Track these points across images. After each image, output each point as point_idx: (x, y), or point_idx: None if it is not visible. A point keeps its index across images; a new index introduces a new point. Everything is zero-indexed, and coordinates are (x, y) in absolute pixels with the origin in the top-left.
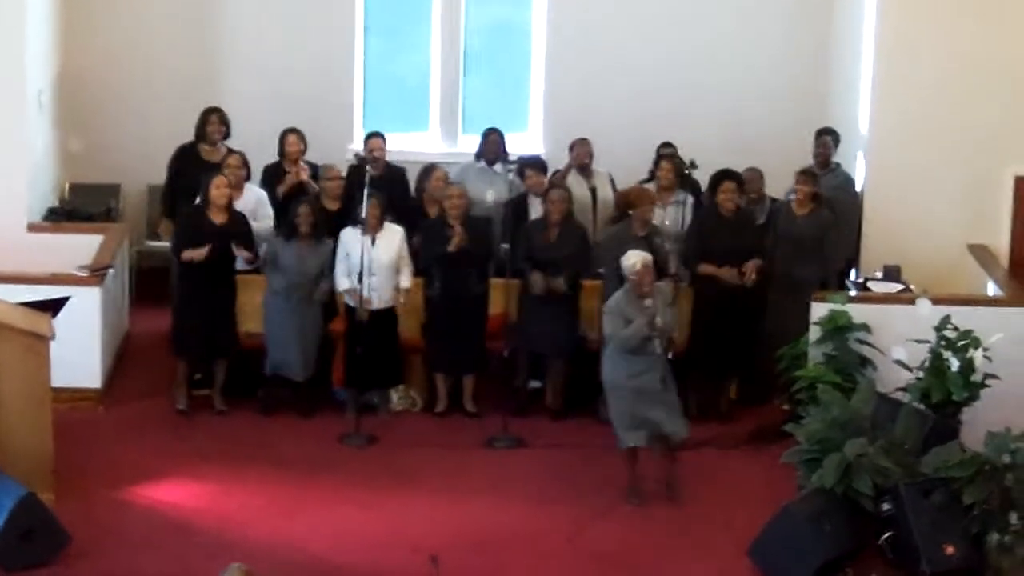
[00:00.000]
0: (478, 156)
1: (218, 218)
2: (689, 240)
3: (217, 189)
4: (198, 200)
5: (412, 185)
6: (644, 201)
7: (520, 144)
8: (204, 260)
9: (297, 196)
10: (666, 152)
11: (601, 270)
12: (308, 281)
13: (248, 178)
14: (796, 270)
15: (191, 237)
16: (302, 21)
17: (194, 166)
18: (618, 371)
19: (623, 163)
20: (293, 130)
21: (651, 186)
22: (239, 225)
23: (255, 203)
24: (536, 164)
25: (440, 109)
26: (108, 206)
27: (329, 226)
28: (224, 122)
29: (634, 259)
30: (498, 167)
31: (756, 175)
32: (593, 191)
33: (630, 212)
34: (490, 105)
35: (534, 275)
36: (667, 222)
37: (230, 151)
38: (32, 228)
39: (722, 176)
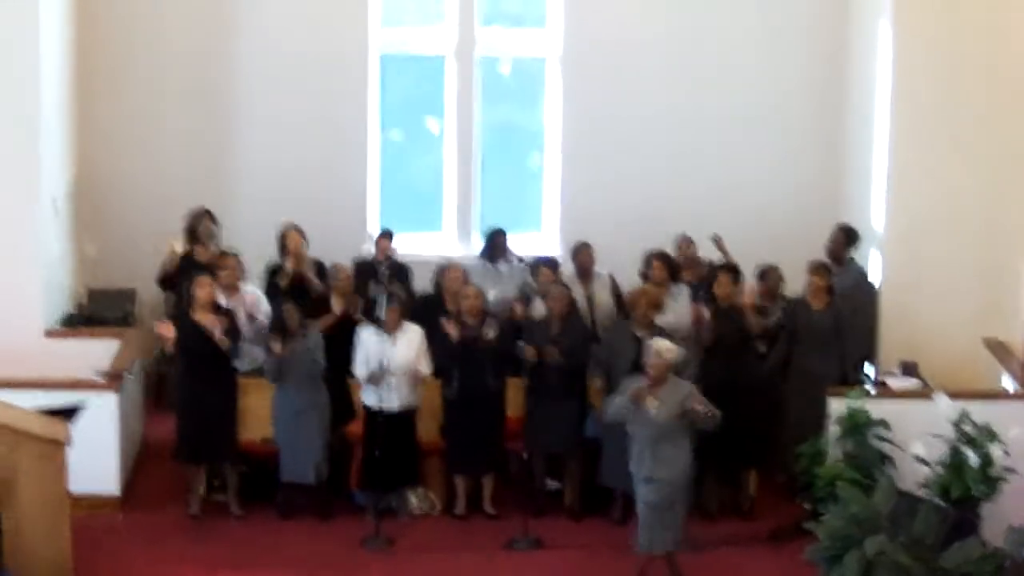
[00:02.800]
0: (484, 256)
1: (201, 317)
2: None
3: (200, 288)
4: (184, 300)
5: (422, 282)
6: (649, 306)
7: (534, 244)
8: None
9: (300, 291)
10: (656, 250)
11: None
12: (303, 378)
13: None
14: (814, 364)
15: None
16: (316, 122)
17: (193, 268)
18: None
19: (638, 261)
20: (293, 226)
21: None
22: (225, 323)
23: (252, 302)
24: (549, 262)
25: (455, 210)
26: (124, 311)
27: (341, 326)
28: (215, 222)
29: (655, 346)
30: (503, 266)
31: (775, 273)
32: (589, 299)
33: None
34: (504, 205)
35: (526, 349)
36: (668, 317)
37: (222, 252)
38: (49, 334)
39: (717, 269)
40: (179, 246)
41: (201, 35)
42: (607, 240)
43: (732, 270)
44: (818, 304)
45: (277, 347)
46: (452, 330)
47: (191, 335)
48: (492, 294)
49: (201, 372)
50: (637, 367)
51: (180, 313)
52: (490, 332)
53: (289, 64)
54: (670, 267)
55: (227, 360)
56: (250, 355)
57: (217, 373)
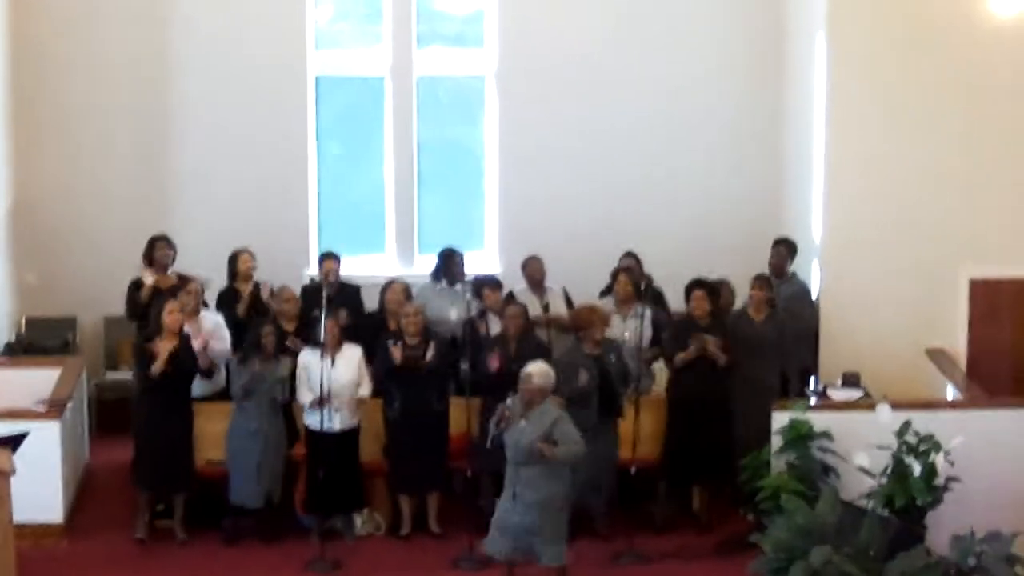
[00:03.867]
0: (436, 276)
1: (169, 342)
2: (666, 345)
3: (169, 314)
4: (151, 326)
5: (366, 304)
6: (594, 322)
7: (477, 262)
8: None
9: (256, 314)
10: (623, 265)
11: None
12: (266, 401)
13: (205, 304)
14: (756, 375)
15: (143, 364)
16: (254, 147)
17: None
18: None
19: (581, 276)
20: (244, 250)
21: (608, 300)
22: (189, 349)
23: (213, 327)
24: (491, 283)
25: (395, 230)
26: (65, 339)
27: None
28: (171, 247)
29: (522, 372)
30: (459, 287)
31: (726, 286)
32: (546, 308)
33: (580, 334)
34: (445, 224)
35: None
36: (627, 335)
37: (181, 277)
38: None
39: (692, 285)
40: (149, 277)
41: (139, 60)
42: (549, 256)
43: (705, 285)
44: (759, 316)
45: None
46: (396, 353)
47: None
48: (453, 313)
49: (163, 398)
50: (605, 385)
51: (146, 339)
52: (430, 355)
53: (227, 88)
54: (635, 282)
55: (186, 388)
56: (212, 380)
57: (178, 399)
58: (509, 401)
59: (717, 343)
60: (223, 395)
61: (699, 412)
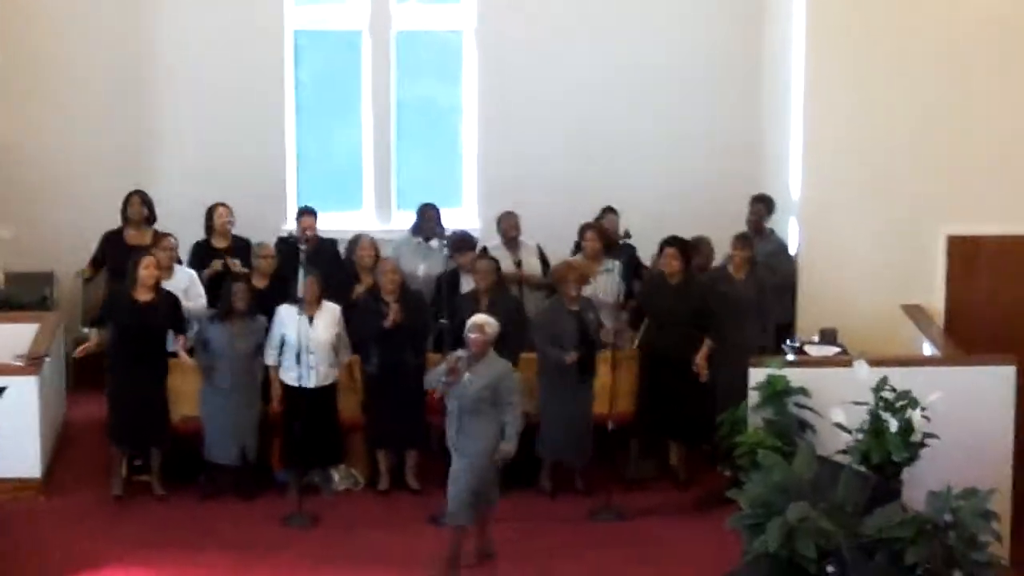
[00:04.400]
0: (414, 231)
1: (143, 296)
2: (637, 305)
3: (145, 269)
4: (127, 280)
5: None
6: (567, 277)
7: (455, 219)
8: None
9: (223, 278)
10: (596, 221)
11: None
12: (241, 360)
13: (179, 261)
14: (737, 334)
15: (111, 314)
16: (233, 102)
17: (121, 251)
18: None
19: (560, 233)
20: (221, 204)
21: (579, 257)
22: (166, 305)
23: (187, 283)
24: (463, 244)
25: (373, 186)
26: (42, 294)
27: (258, 304)
28: (146, 203)
29: (471, 321)
30: (434, 243)
31: (704, 245)
32: (518, 264)
33: (560, 287)
34: (423, 181)
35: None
36: (599, 292)
37: (158, 233)
38: None
39: (666, 242)
40: (235, 266)
41: (116, 14)
42: (527, 213)
43: (677, 243)
44: (740, 275)
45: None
46: (393, 315)
47: (131, 315)
48: (422, 269)
49: (135, 352)
50: (585, 340)
51: (119, 292)
52: (390, 318)
53: (205, 42)
54: (604, 240)
55: (162, 343)
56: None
57: (151, 353)
58: (460, 352)
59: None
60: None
61: (670, 368)
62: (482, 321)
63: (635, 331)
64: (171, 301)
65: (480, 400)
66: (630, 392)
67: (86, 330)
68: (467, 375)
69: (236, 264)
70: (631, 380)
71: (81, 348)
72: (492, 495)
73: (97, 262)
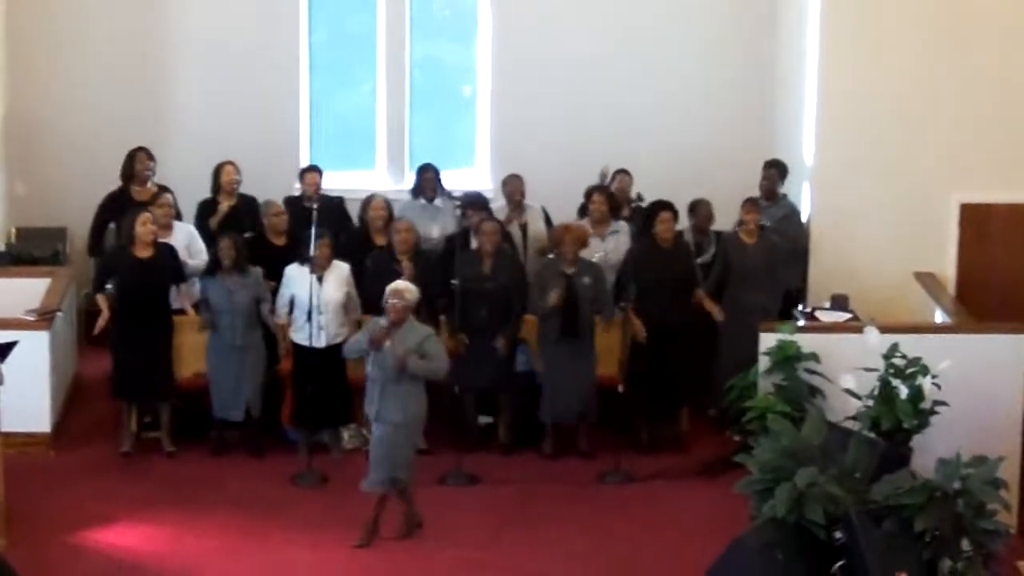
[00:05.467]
0: (415, 193)
1: (142, 253)
2: (624, 271)
3: (142, 226)
4: (124, 237)
5: (352, 214)
6: (564, 239)
7: (467, 180)
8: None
9: (233, 229)
10: (604, 183)
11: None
12: (240, 315)
13: (179, 217)
14: (748, 299)
15: (111, 273)
16: (247, 60)
17: (129, 209)
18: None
19: (570, 196)
20: (229, 162)
21: (585, 220)
22: (165, 259)
23: (187, 240)
24: (476, 202)
25: (386, 146)
26: (55, 249)
27: (276, 261)
28: (151, 158)
29: (389, 287)
30: (439, 202)
31: (704, 208)
32: (523, 227)
33: (556, 251)
34: (436, 141)
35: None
36: (608, 254)
37: (160, 188)
38: None
39: (658, 207)
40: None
41: None
42: (539, 174)
43: (672, 208)
44: (751, 240)
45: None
46: (407, 275)
47: (131, 272)
48: (435, 230)
49: (138, 309)
50: (569, 304)
51: (119, 249)
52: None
53: (220, 1)
54: (611, 202)
55: (165, 298)
56: (187, 293)
57: (154, 310)
58: (381, 320)
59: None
60: None
61: (662, 334)
62: (402, 287)
63: None
64: (170, 254)
65: (400, 362)
66: (641, 354)
67: (98, 296)
68: (388, 343)
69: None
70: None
71: (98, 326)
72: (406, 474)
73: (95, 251)
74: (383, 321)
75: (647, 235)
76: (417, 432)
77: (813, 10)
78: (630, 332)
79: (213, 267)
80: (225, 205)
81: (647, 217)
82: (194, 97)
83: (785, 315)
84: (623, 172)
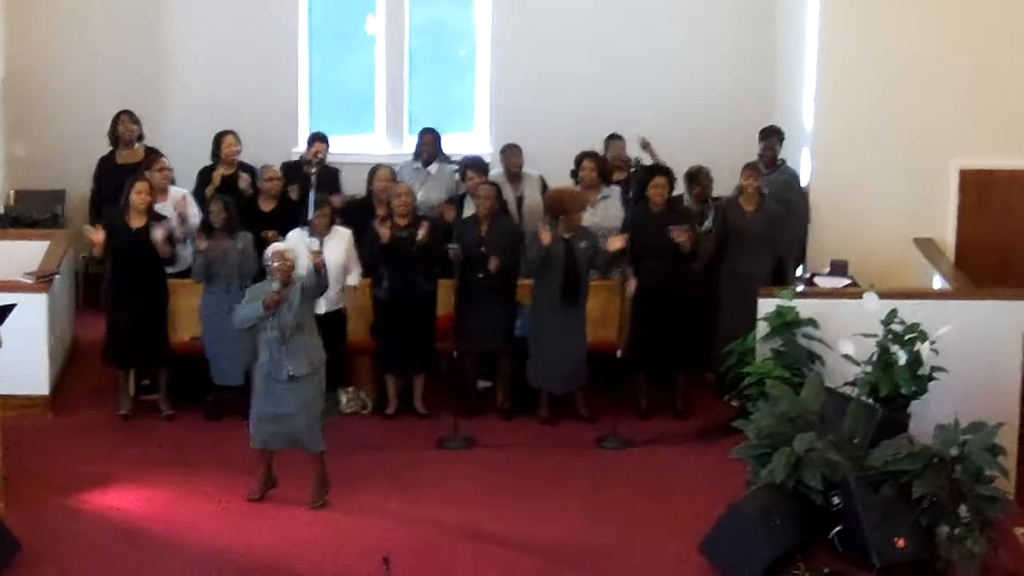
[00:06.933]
0: (415, 157)
1: (136, 222)
2: (623, 228)
3: (138, 194)
4: (121, 204)
5: (354, 184)
6: (576, 207)
7: (466, 145)
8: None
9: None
10: (588, 151)
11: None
12: (234, 277)
13: (173, 181)
14: (747, 265)
15: (109, 241)
16: (246, 24)
17: (114, 173)
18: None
19: (569, 162)
20: (229, 131)
21: (577, 186)
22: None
23: (182, 203)
24: (476, 165)
25: (386, 111)
26: (53, 212)
27: (263, 226)
28: (135, 121)
29: (269, 251)
30: (433, 167)
31: (703, 174)
32: (519, 198)
33: (560, 216)
34: (435, 106)
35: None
36: (599, 220)
37: (148, 151)
38: None
39: (652, 172)
40: (244, 182)
41: None
42: (539, 140)
43: (666, 172)
44: (749, 206)
45: (203, 244)
46: (384, 231)
47: (126, 240)
48: (420, 195)
49: (132, 276)
50: (569, 268)
51: (114, 217)
52: (421, 233)
53: None
54: (601, 168)
55: (159, 264)
56: (181, 256)
57: (148, 277)
58: (273, 286)
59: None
60: None
61: (660, 300)
62: (281, 248)
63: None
64: (164, 222)
65: (299, 322)
66: (639, 319)
67: (85, 227)
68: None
69: (246, 179)
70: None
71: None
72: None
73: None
74: (274, 285)
75: (642, 200)
76: (323, 380)
77: None
78: (629, 296)
79: (202, 229)
80: (219, 175)
81: (642, 183)
82: (193, 60)
83: (775, 282)
84: (617, 137)
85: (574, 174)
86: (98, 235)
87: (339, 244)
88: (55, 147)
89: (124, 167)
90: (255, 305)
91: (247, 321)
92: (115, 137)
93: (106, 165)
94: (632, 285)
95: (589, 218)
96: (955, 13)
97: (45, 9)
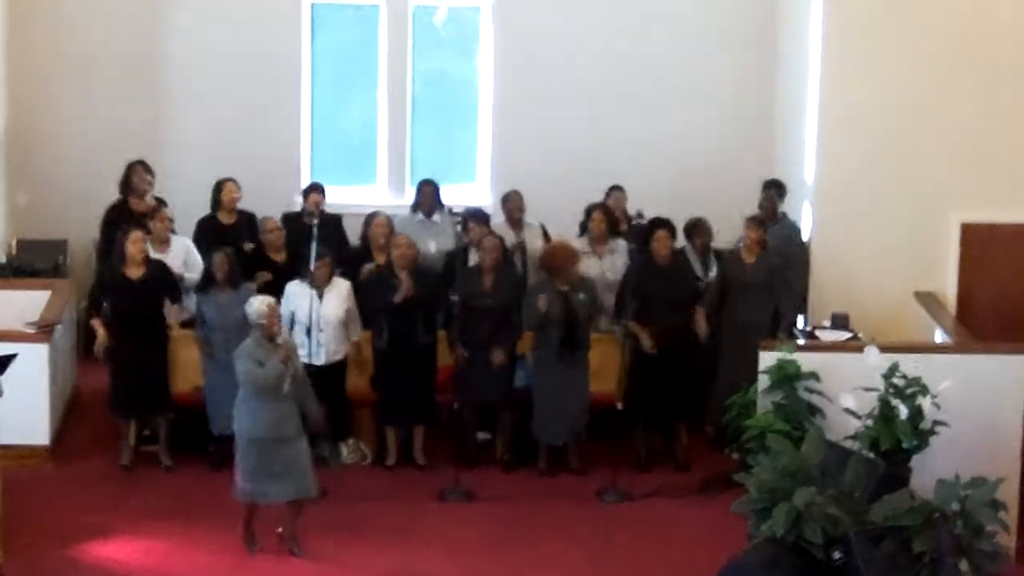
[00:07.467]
0: (414, 208)
1: (134, 273)
2: (623, 289)
3: (133, 244)
4: (115, 256)
5: (352, 232)
6: (562, 264)
7: (468, 195)
8: (104, 341)
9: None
10: (610, 198)
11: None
12: (234, 330)
13: (173, 231)
14: (747, 317)
15: (106, 294)
16: (248, 73)
17: (128, 221)
18: (255, 420)
19: (570, 211)
20: (229, 179)
21: (583, 239)
22: (157, 277)
23: (184, 254)
24: (478, 216)
25: (387, 160)
26: (56, 261)
27: (275, 277)
28: (149, 172)
29: (258, 304)
30: (437, 217)
31: (703, 226)
32: (521, 244)
33: (555, 272)
34: (437, 156)
35: (458, 350)
36: (607, 272)
37: (157, 201)
38: None
39: (655, 224)
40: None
41: None
42: (539, 190)
43: (668, 225)
44: (751, 259)
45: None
46: (404, 289)
47: (125, 293)
48: (432, 245)
49: (134, 327)
50: (569, 321)
51: (110, 270)
52: (398, 297)
53: (222, 13)
54: (609, 220)
55: (159, 314)
56: (181, 308)
57: (149, 327)
58: (283, 339)
59: (648, 343)
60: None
61: (666, 351)
62: (272, 302)
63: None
64: (162, 271)
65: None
66: (640, 370)
67: (93, 321)
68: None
69: (264, 276)
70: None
71: (96, 350)
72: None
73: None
74: (279, 339)
75: (645, 252)
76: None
77: (814, 29)
78: (628, 349)
79: (206, 282)
80: (228, 222)
81: (645, 235)
82: (195, 110)
83: (775, 335)
84: (617, 188)
85: (583, 225)
86: (101, 331)
87: (339, 295)
88: (57, 196)
89: (139, 216)
90: (272, 363)
91: (270, 381)
92: (128, 186)
93: (118, 213)
94: (647, 342)
95: (595, 268)
96: (954, 68)
97: (46, 59)
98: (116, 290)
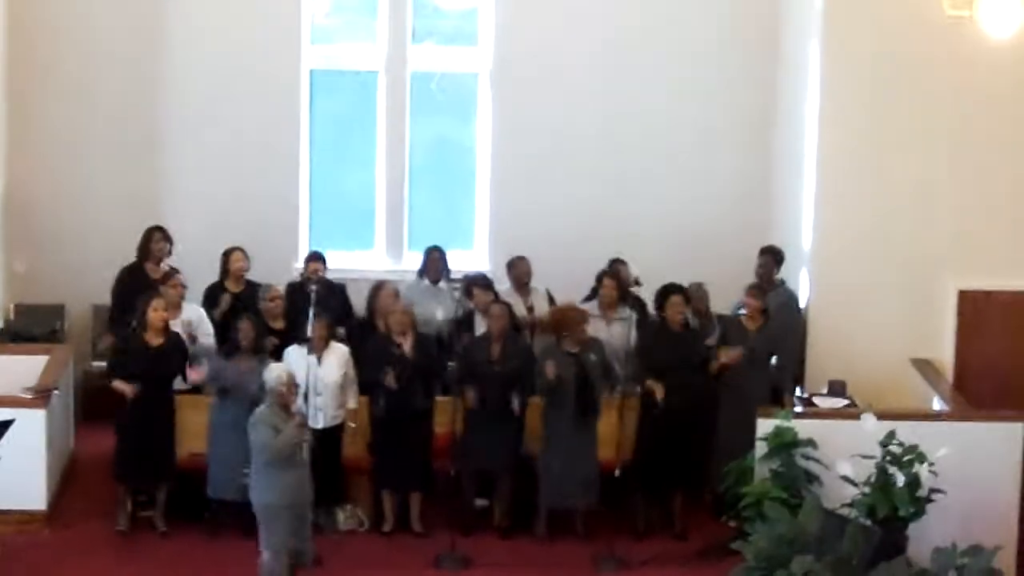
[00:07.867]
0: (421, 274)
1: (154, 340)
2: (637, 355)
3: (155, 312)
4: (134, 323)
5: (354, 300)
6: (570, 324)
7: (466, 262)
8: (133, 395)
9: (235, 316)
10: (609, 270)
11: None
12: (248, 400)
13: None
14: (746, 384)
15: (125, 362)
16: (248, 141)
17: (142, 285)
18: (274, 489)
19: (569, 278)
20: (237, 248)
21: (592, 304)
22: (175, 348)
23: (196, 320)
24: (481, 282)
25: (386, 226)
26: (53, 327)
27: (276, 345)
28: (168, 239)
29: (277, 372)
30: (442, 284)
31: (702, 291)
32: (531, 310)
33: (563, 334)
34: (436, 222)
35: (468, 392)
36: (612, 339)
37: (171, 269)
38: None
39: (669, 290)
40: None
41: (132, 50)
42: (538, 256)
43: (682, 291)
44: (752, 325)
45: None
46: (391, 380)
47: (144, 360)
48: (439, 312)
49: (148, 394)
50: (582, 383)
51: (130, 336)
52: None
53: (220, 81)
54: (620, 287)
55: (170, 382)
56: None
57: (159, 395)
58: (294, 407)
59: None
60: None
61: (673, 418)
62: (292, 372)
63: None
64: (180, 345)
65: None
66: (633, 441)
67: (116, 383)
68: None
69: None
70: (635, 429)
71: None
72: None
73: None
74: (293, 408)
75: (657, 318)
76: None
77: (812, 96)
78: (639, 413)
79: (230, 349)
80: (228, 294)
81: (658, 300)
82: (194, 177)
83: (773, 403)
84: (619, 261)
85: (594, 291)
86: (129, 388)
87: (337, 360)
88: (54, 262)
89: (154, 281)
90: (289, 430)
91: (287, 450)
92: (145, 252)
93: (134, 276)
94: (661, 394)
95: (602, 333)
96: (954, 136)
97: (44, 124)
98: (135, 356)
